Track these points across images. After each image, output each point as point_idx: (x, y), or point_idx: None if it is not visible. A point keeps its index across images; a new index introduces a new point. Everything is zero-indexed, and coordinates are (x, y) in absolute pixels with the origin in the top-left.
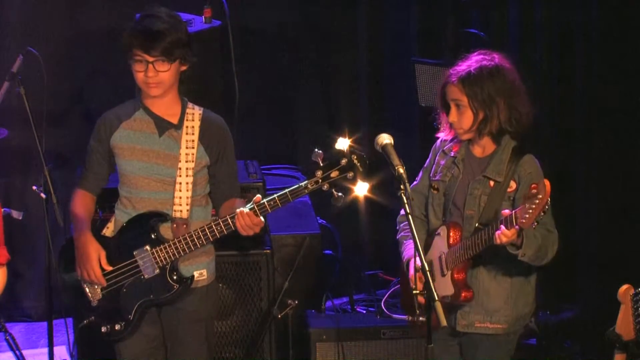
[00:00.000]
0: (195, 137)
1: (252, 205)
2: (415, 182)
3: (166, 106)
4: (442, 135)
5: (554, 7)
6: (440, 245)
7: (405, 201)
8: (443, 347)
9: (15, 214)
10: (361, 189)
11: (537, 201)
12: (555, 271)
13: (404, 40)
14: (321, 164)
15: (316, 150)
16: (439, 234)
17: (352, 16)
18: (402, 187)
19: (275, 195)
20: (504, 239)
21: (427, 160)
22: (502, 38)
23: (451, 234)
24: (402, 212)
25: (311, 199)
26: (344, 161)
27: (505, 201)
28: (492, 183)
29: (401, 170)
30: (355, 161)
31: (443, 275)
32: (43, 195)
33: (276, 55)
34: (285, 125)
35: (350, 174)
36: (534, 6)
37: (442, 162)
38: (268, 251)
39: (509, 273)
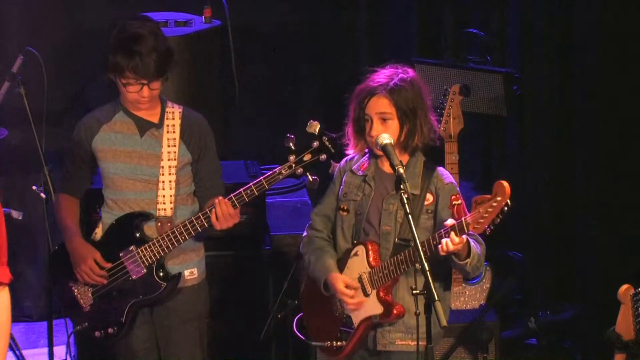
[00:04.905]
0: (177, 135)
1: (230, 196)
2: (318, 205)
3: None
4: (350, 152)
5: (554, 7)
6: (358, 265)
7: (405, 201)
8: None
9: (15, 214)
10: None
11: (495, 203)
12: (555, 271)
13: (404, 40)
14: (293, 148)
15: (288, 135)
16: (356, 254)
17: (352, 16)
18: (402, 187)
19: (250, 184)
20: (452, 247)
21: (332, 182)
22: (502, 38)
23: (370, 252)
24: (305, 234)
25: (311, 199)
26: (315, 144)
27: (423, 214)
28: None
29: (401, 170)
30: (327, 143)
31: (367, 295)
32: (43, 195)
33: (276, 55)
34: (285, 125)
35: (323, 156)
36: (534, 6)
37: (351, 181)
38: (268, 251)
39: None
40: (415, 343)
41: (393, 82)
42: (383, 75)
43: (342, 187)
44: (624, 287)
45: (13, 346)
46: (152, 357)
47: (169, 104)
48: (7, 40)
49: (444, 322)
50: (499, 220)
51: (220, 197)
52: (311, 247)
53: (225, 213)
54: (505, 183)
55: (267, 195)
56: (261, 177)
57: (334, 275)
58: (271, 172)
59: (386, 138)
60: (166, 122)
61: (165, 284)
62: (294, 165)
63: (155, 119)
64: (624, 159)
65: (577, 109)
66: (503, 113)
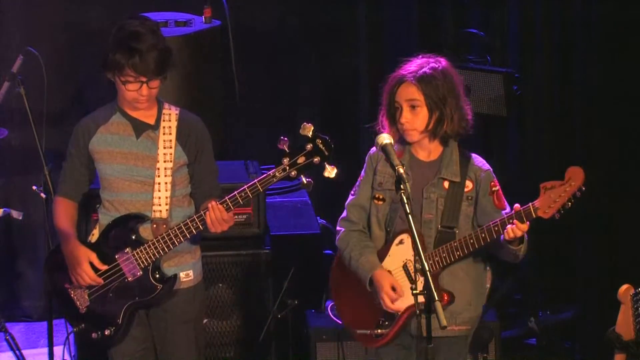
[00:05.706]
0: (173, 137)
1: (224, 199)
2: (353, 197)
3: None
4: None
5: (554, 7)
6: (404, 253)
7: (406, 201)
8: (404, 354)
9: (15, 214)
10: (330, 172)
11: (569, 188)
12: (556, 271)
13: (404, 40)
14: (287, 151)
15: (282, 137)
16: (401, 242)
17: (352, 16)
18: (402, 187)
19: (245, 187)
20: (519, 233)
21: (363, 172)
22: (502, 38)
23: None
24: (340, 229)
25: (311, 199)
26: (309, 146)
27: (464, 201)
28: (446, 185)
29: (401, 170)
30: (321, 145)
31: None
32: (43, 195)
33: (276, 55)
34: (285, 125)
35: (317, 159)
36: (534, 6)
37: (386, 170)
38: (268, 251)
39: (469, 274)
40: (459, 328)
41: (422, 70)
42: (414, 64)
43: (375, 176)
44: (624, 287)
45: (13, 346)
46: (149, 359)
47: (166, 105)
48: (7, 40)
49: (444, 322)
50: (569, 205)
51: (214, 202)
52: (351, 241)
53: (218, 217)
54: (579, 168)
55: (267, 195)
56: (255, 180)
57: (381, 273)
58: (265, 174)
59: (386, 138)
60: (162, 123)
61: (161, 285)
62: (287, 167)
63: (151, 121)
64: (624, 158)
65: (577, 109)
66: (503, 113)
